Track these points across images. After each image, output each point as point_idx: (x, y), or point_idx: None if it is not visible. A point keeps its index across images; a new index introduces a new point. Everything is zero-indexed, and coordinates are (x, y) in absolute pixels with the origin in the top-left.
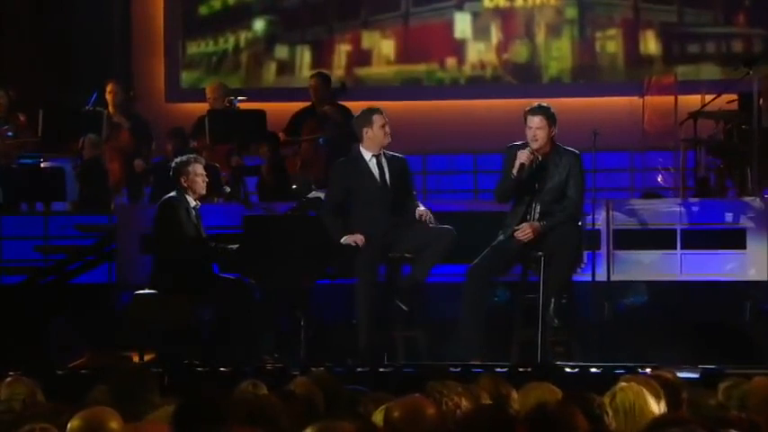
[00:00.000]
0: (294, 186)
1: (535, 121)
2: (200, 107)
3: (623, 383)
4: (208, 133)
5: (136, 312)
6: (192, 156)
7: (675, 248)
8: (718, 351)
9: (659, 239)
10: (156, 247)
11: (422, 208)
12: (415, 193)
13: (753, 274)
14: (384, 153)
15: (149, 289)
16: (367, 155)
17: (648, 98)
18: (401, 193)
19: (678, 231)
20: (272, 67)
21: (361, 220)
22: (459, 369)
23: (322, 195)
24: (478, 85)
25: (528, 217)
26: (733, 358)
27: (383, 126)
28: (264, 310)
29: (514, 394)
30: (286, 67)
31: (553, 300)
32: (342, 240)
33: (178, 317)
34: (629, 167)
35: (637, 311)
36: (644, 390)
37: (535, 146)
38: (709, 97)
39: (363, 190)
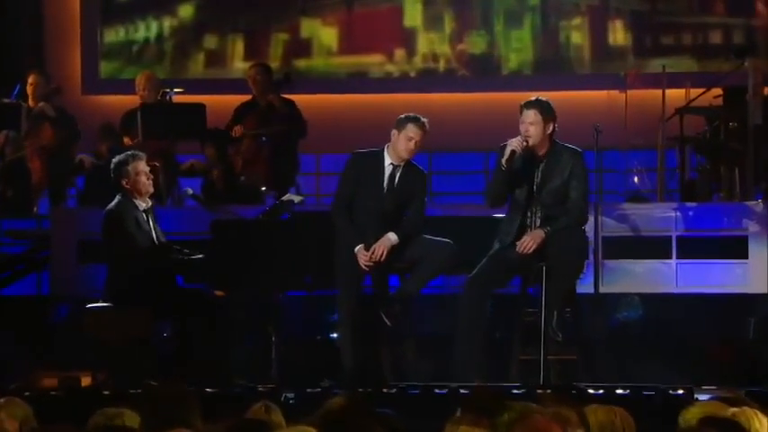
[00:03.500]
0: (264, 188)
1: (528, 116)
2: (121, 99)
3: (734, 409)
4: (140, 129)
5: (87, 327)
6: (129, 153)
7: (670, 258)
8: (719, 371)
9: (653, 248)
10: (107, 258)
11: (387, 237)
12: (421, 212)
13: (756, 286)
14: (407, 165)
15: (103, 301)
16: (387, 159)
17: (630, 93)
18: (405, 209)
19: (673, 239)
20: (201, 57)
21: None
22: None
23: (296, 198)
24: (430, 79)
25: (528, 222)
26: (735, 380)
27: (410, 140)
28: (232, 325)
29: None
30: (216, 58)
31: (556, 313)
32: (355, 250)
33: (134, 332)
34: (596, 168)
35: (629, 327)
36: (758, 415)
37: (529, 142)
38: (694, 92)
39: (366, 194)
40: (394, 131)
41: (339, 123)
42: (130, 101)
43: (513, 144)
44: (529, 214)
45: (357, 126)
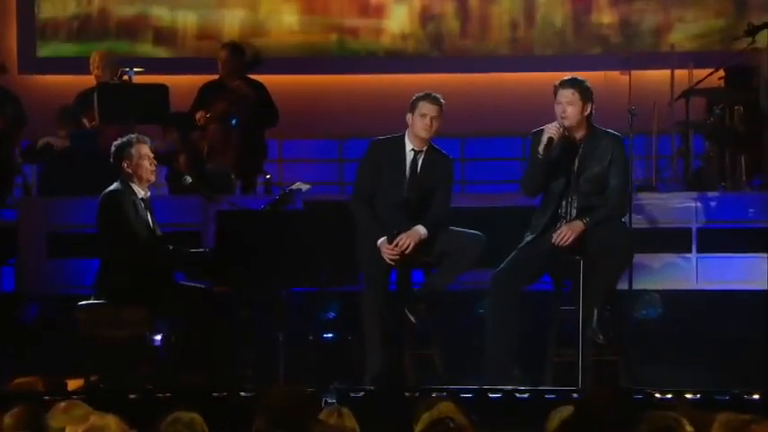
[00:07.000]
0: (268, 176)
1: (565, 96)
2: (62, 80)
3: None
4: (97, 111)
5: (80, 326)
6: (133, 135)
7: (690, 251)
8: (743, 373)
9: (671, 241)
10: (101, 249)
11: (416, 229)
12: (447, 202)
13: None
14: (429, 151)
15: (95, 298)
16: (408, 145)
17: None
18: (429, 199)
19: (693, 231)
20: (149, 34)
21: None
22: (526, 395)
23: (303, 186)
24: (399, 60)
25: (560, 212)
26: (763, 382)
27: (424, 116)
28: (237, 324)
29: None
30: (165, 36)
31: (596, 312)
32: (378, 243)
33: (131, 331)
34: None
35: (648, 326)
36: None
37: (565, 124)
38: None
39: (386, 183)
40: (408, 115)
41: (301, 107)
42: (73, 81)
43: (551, 131)
44: (564, 204)
45: (320, 109)
